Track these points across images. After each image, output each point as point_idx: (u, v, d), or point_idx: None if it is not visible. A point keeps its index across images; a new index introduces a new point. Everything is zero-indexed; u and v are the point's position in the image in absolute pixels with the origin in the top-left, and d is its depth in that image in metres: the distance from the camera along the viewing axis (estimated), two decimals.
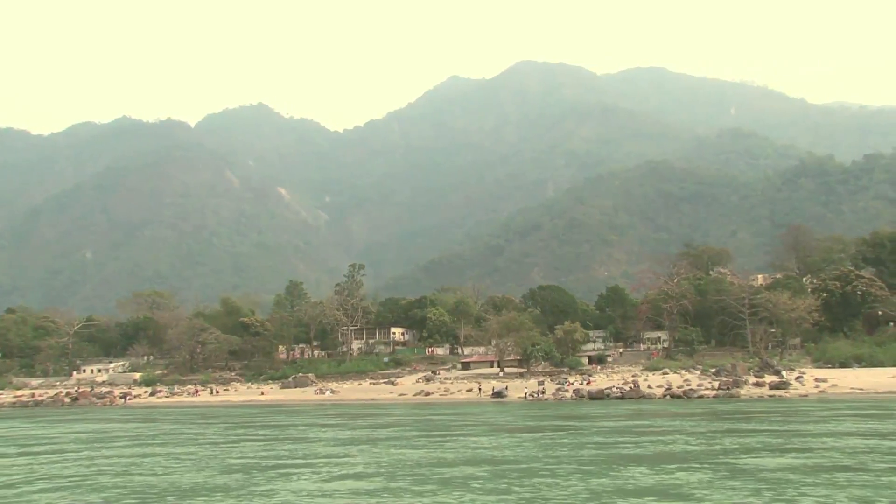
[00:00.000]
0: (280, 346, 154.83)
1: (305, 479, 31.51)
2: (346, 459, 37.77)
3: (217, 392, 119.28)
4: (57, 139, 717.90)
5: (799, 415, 57.53)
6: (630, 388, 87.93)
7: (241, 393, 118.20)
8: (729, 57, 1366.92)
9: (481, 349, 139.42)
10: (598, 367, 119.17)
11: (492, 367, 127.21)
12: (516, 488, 27.99)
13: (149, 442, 51.28)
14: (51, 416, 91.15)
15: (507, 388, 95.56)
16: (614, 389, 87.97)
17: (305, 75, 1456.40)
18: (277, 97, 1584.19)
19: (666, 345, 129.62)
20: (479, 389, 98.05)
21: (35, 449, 48.44)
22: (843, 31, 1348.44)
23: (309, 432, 55.22)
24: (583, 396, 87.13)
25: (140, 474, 34.65)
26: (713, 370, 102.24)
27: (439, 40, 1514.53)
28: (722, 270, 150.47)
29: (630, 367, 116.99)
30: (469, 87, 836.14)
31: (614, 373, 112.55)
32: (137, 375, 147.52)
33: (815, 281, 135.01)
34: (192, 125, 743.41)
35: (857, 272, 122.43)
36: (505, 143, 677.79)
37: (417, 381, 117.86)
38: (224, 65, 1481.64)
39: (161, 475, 34.10)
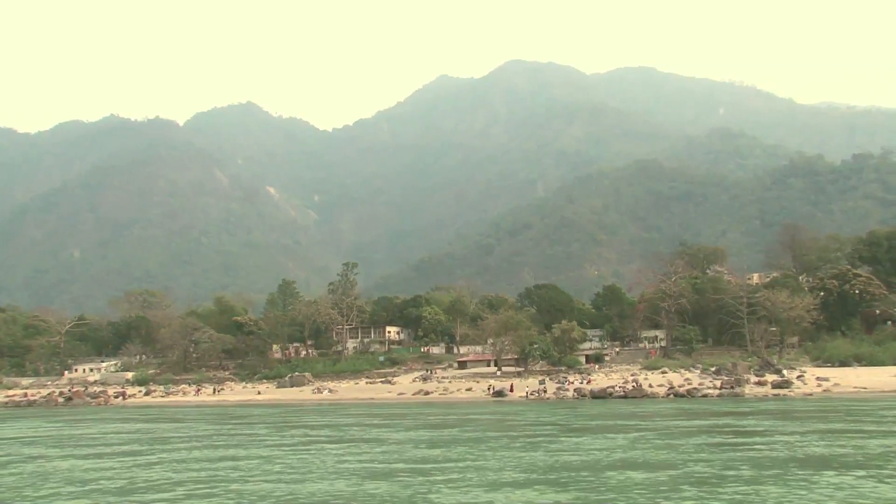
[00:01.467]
0: (274, 346, 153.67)
1: (472, 485, 29.22)
2: (479, 463, 35.14)
3: (219, 391, 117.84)
4: (44, 137, 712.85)
5: (859, 413, 55.78)
6: (633, 387, 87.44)
7: (238, 392, 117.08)
8: (717, 57, 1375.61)
9: (478, 348, 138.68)
10: (596, 366, 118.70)
11: (488, 366, 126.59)
12: (726, 497, 25.91)
13: (212, 444, 48.47)
14: (58, 416, 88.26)
15: (511, 386, 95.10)
16: (617, 388, 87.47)
17: (294, 74, 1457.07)
18: (266, 96, 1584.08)
19: (663, 344, 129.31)
20: (490, 388, 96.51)
21: (103, 450, 46.18)
22: (830, 32, 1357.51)
23: (371, 433, 52.57)
24: (584, 396, 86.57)
25: (265, 481, 31.98)
26: (713, 369, 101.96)
27: (429, 40, 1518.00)
28: (718, 269, 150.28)
29: (628, 366, 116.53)
30: (458, 87, 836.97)
31: (613, 372, 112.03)
32: (130, 375, 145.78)
33: (810, 280, 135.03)
34: (181, 124, 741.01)
35: (854, 271, 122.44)
36: (494, 143, 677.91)
37: (414, 381, 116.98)
38: (213, 63, 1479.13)
39: (294, 483, 31.05)
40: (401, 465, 35.50)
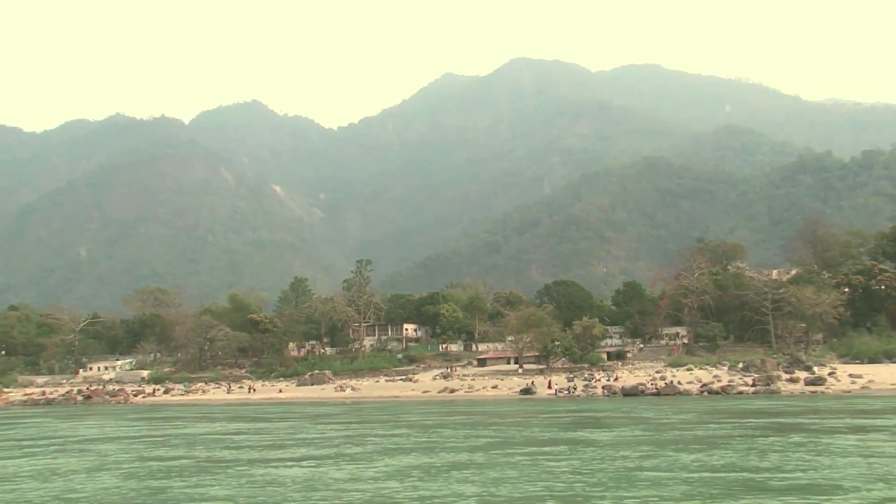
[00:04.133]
0: (290, 344, 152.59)
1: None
2: (672, 475, 30.06)
3: (253, 390, 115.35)
4: (50, 136, 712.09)
5: None
6: (664, 384, 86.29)
7: (258, 390, 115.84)
8: (723, 54, 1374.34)
9: (497, 345, 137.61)
10: (619, 364, 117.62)
11: (508, 363, 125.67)
12: None
13: (385, 448, 42.03)
14: (107, 414, 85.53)
15: (549, 383, 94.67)
16: (648, 385, 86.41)
17: (299, 72, 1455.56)
18: (271, 94, 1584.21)
19: (686, 340, 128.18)
20: (532, 383, 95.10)
21: (273, 455, 40.81)
22: (835, 29, 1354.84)
23: (525, 433, 48.85)
24: (615, 393, 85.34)
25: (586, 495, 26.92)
26: (740, 366, 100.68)
27: (434, 37, 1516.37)
28: (739, 265, 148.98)
29: (651, 364, 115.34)
30: (463, 85, 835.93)
31: (637, 369, 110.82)
32: (145, 373, 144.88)
33: (828, 275, 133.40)
34: (186, 122, 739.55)
35: (880, 266, 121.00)
36: (500, 141, 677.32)
37: (435, 378, 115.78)
38: (218, 62, 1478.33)
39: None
40: (684, 475, 29.90)
